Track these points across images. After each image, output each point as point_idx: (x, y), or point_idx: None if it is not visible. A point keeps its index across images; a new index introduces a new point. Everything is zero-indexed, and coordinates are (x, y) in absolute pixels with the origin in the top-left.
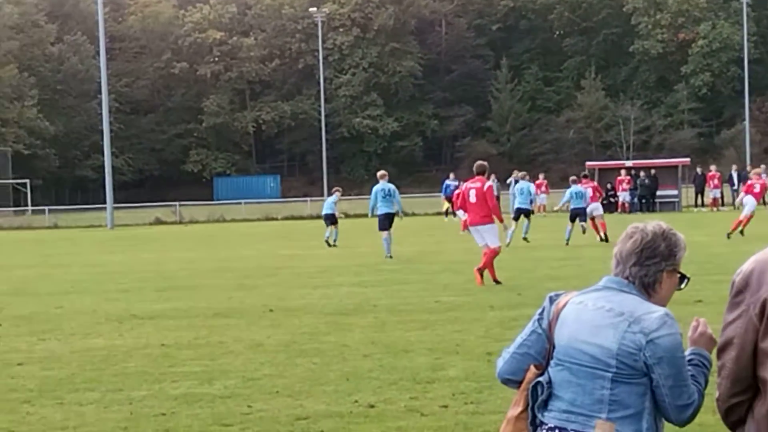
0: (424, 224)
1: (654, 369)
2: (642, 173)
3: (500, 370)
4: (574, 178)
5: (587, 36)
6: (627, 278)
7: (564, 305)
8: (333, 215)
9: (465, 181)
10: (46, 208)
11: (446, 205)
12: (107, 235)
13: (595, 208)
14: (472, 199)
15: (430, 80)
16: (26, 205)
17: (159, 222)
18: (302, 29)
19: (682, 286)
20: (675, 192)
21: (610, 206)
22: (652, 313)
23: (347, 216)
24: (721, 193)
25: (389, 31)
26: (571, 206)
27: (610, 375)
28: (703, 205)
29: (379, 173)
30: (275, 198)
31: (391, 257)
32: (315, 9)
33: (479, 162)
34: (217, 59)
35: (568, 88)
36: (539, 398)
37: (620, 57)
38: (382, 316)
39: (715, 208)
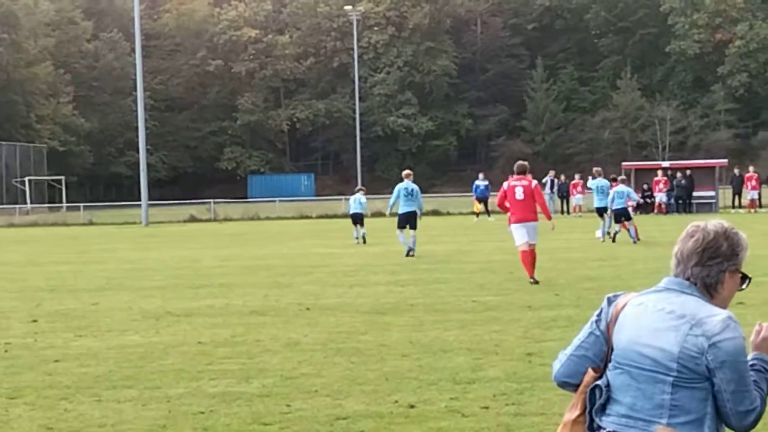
0: (458, 223)
1: (716, 373)
2: (678, 174)
3: (557, 372)
4: (614, 176)
5: (623, 36)
6: (688, 279)
7: (623, 307)
8: (361, 215)
9: (506, 180)
10: (81, 204)
11: (477, 205)
12: (142, 232)
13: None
14: (519, 196)
15: (465, 79)
16: (61, 202)
17: (193, 219)
18: (337, 27)
19: (744, 286)
20: (712, 193)
21: (646, 207)
22: (715, 315)
23: (381, 215)
24: (759, 194)
25: (424, 29)
26: (614, 206)
27: (671, 379)
28: (740, 206)
29: (404, 172)
30: (309, 196)
31: (413, 255)
32: (350, 7)
33: (521, 162)
34: (252, 57)
35: (604, 88)
36: (597, 402)
37: (656, 57)
38: (420, 315)
39: (752, 210)
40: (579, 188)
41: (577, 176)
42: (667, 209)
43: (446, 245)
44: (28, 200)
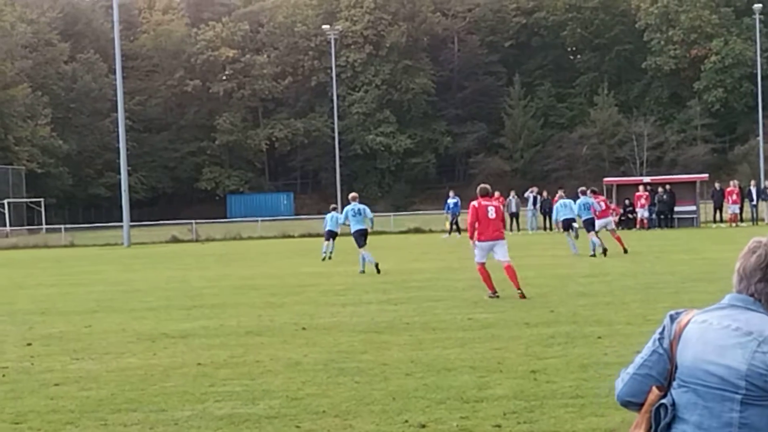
0: (441, 240)
1: None
2: (660, 189)
3: (620, 392)
4: (583, 189)
5: (600, 52)
6: (752, 295)
7: (686, 324)
8: (336, 232)
9: (474, 199)
10: (62, 226)
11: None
12: (125, 253)
13: (608, 222)
14: (492, 215)
15: (443, 97)
16: (40, 224)
17: (175, 240)
18: (315, 47)
19: None
20: (693, 208)
21: (628, 222)
22: None
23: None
24: (740, 208)
25: (402, 48)
26: (583, 218)
27: (739, 397)
28: (721, 220)
29: (351, 195)
30: (289, 215)
31: (363, 272)
32: (328, 26)
33: (484, 185)
34: (229, 77)
35: (581, 105)
36: (662, 421)
37: (633, 73)
38: (417, 333)
39: (734, 224)
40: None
41: (559, 192)
42: (649, 224)
43: (433, 263)
44: (8, 223)
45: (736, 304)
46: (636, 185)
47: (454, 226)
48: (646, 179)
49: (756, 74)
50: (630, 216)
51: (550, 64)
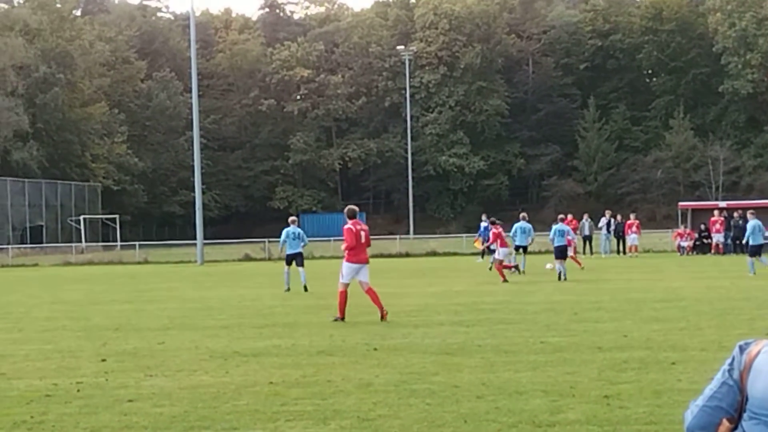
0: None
1: None
2: (735, 214)
3: (690, 424)
4: (561, 216)
5: (676, 75)
6: None
7: (756, 354)
8: (300, 254)
9: (354, 222)
10: (136, 243)
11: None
12: (198, 271)
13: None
14: (363, 239)
15: (516, 119)
16: (115, 240)
17: (248, 258)
18: (389, 67)
19: None
20: None
21: (703, 247)
22: None
23: (436, 254)
24: None
25: (476, 69)
26: (555, 244)
27: None
28: None
29: (290, 219)
30: None
31: (288, 290)
32: (402, 47)
33: (352, 207)
34: (304, 96)
35: (656, 128)
36: None
37: (709, 97)
38: (489, 356)
39: None
40: (635, 228)
41: (632, 216)
42: (725, 250)
43: (506, 286)
44: (83, 238)
45: None
46: (711, 210)
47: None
48: (722, 204)
49: None
50: (705, 241)
51: (626, 86)
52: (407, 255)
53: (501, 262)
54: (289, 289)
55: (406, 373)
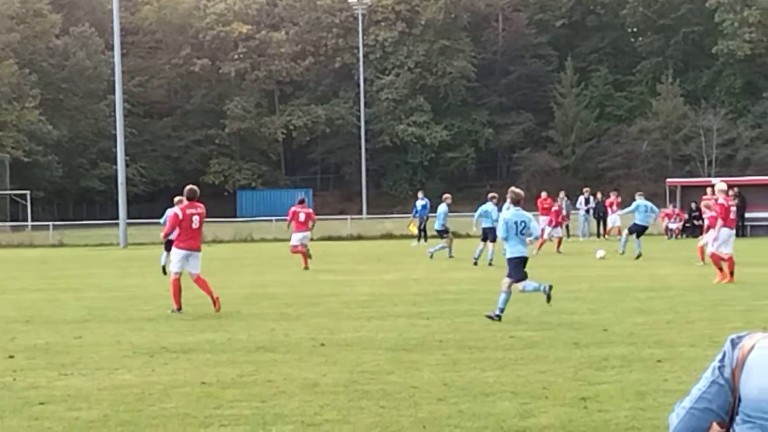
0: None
1: None
2: (731, 192)
3: (675, 428)
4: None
5: (664, 35)
6: None
7: (750, 350)
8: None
9: (187, 207)
10: (50, 223)
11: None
12: (121, 255)
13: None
14: (196, 224)
15: (484, 83)
16: (26, 220)
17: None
18: (340, 23)
19: None
20: None
21: (694, 230)
22: None
23: (392, 237)
24: None
25: (438, 26)
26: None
27: None
28: None
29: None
30: None
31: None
32: (355, 0)
33: (192, 187)
34: (242, 56)
35: (642, 94)
36: None
37: (701, 59)
38: (452, 353)
39: None
40: (615, 207)
41: (612, 194)
42: None
43: (471, 272)
44: None
45: None
46: (703, 187)
47: (422, 232)
48: (716, 180)
49: None
50: (696, 222)
51: (608, 47)
52: (359, 237)
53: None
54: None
55: (357, 372)
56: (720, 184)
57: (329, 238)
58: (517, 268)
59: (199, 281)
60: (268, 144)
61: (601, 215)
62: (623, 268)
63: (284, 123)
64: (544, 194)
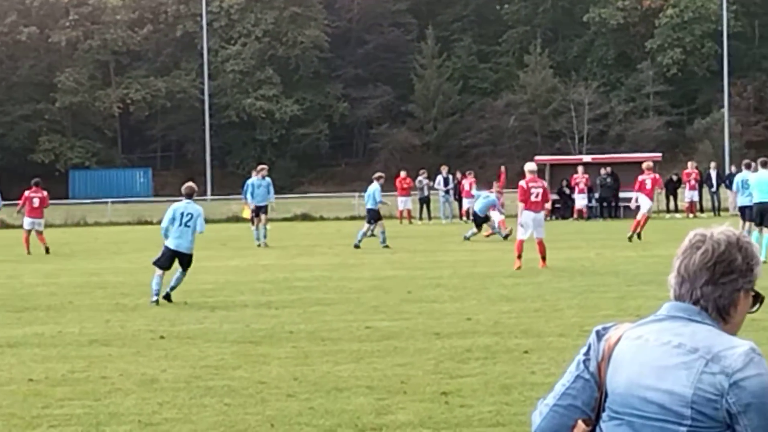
0: (335, 230)
1: (739, 419)
2: (602, 171)
3: (538, 427)
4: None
5: (532, 2)
6: (696, 302)
7: (616, 342)
8: None
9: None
10: None
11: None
12: None
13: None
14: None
15: (338, 53)
16: None
17: (4, 225)
18: None
19: (755, 308)
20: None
21: (564, 211)
22: (735, 348)
23: (239, 220)
24: (700, 195)
25: None
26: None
27: (684, 429)
28: (676, 210)
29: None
30: (146, 196)
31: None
32: None
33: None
34: (74, 23)
35: (509, 66)
36: None
37: (572, 28)
38: (303, 345)
39: (691, 214)
40: (468, 187)
41: (470, 174)
42: (589, 214)
43: (324, 258)
44: None
45: (677, 314)
46: (574, 165)
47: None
48: (587, 158)
49: (721, 32)
50: (567, 203)
51: (472, 14)
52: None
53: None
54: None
55: (200, 366)
56: (529, 164)
57: None
58: (169, 259)
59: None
60: (103, 119)
61: (460, 196)
62: (488, 252)
63: (120, 96)
64: (403, 173)
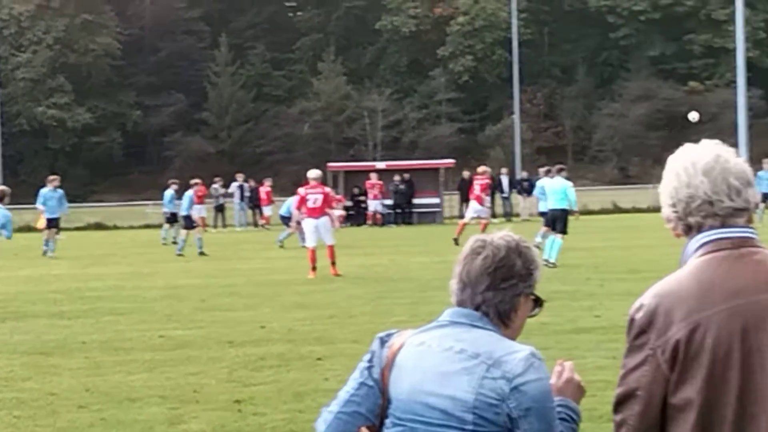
0: (129, 239)
1: (519, 423)
2: (396, 177)
3: None
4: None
5: (325, 9)
6: (478, 307)
7: (399, 348)
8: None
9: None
10: None
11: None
12: None
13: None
14: None
15: (131, 61)
16: None
17: None
18: None
19: (535, 312)
20: (436, 200)
21: (358, 217)
22: (516, 353)
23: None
24: (492, 201)
25: None
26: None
27: None
28: None
29: None
30: None
31: None
32: None
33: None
34: None
35: (302, 73)
36: None
37: (365, 35)
38: (95, 355)
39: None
40: (264, 195)
41: (267, 182)
42: (383, 220)
43: (117, 267)
44: None
45: (458, 320)
46: (367, 172)
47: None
48: (380, 164)
49: (511, 39)
50: (360, 208)
51: (265, 22)
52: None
53: None
54: None
55: None
56: (311, 171)
57: None
58: None
59: None
60: None
61: (256, 204)
62: (283, 260)
63: None
64: (197, 181)
